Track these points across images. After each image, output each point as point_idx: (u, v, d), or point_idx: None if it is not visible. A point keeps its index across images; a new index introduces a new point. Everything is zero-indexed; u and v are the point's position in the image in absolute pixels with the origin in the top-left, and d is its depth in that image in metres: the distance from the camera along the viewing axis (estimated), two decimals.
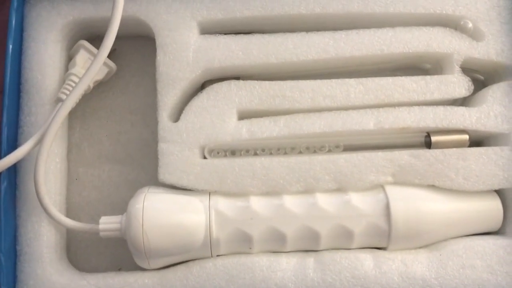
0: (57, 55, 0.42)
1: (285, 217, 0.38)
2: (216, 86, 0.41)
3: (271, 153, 0.40)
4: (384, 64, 0.43)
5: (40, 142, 0.38)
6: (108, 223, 0.38)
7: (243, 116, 0.41)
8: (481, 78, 0.44)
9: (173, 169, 0.39)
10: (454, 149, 0.39)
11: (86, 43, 0.42)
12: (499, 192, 0.40)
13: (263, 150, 0.40)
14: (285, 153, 0.40)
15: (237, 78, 0.42)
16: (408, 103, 0.41)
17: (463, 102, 0.42)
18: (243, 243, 0.38)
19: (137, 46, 0.45)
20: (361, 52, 0.41)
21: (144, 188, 0.39)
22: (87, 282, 0.39)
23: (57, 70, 0.42)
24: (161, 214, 0.37)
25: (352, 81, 0.41)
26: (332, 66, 0.42)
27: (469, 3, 0.42)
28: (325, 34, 0.41)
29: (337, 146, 0.40)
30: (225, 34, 0.42)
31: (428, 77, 0.41)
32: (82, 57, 0.42)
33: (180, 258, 0.39)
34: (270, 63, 0.41)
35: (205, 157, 0.40)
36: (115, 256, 0.42)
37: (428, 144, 0.40)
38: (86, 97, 0.43)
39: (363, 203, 0.38)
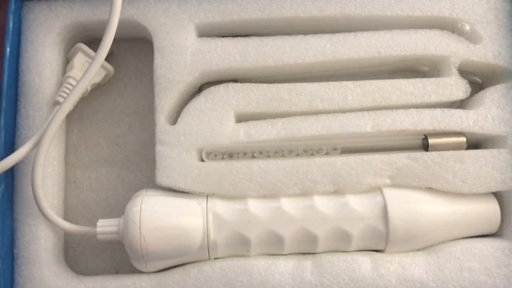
0: (54, 58, 0.42)
1: (282, 219, 0.38)
2: (213, 89, 0.41)
3: (268, 156, 0.40)
4: (382, 67, 0.43)
5: (37, 145, 0.38)
6: (105, 226, 0.38)
7: (241, 119, 0.41)
8: (479, 80, 0.44)
9: (170, 172, 0.39)
10: (452, 151, 0.39)
11: (83, 46, 0.42)
12: (497, 195, 0.40)
13: (260, 153, 0.40)
14: (283, 156, 0.40)
15: (235, 81, 0.42)
16: (405, 106, 0.41)
17: (460, 104, 0.42)
18: (240, 246, 0.38)
19: (134, 49, 0.45)
20: (359, 54, 0.41)
21: (142, 191, 0.39)
22: (85, 285, 0.39)
23: (55, 73, 0.42)
24: (158, 217, 0.37)
25: (349, 84, 0.41)
26: (330, 69, 0.42)
27: (466, 6, 0.42)
28: (323, 37, 0.41)
29: (335, 149, 0.40)
30: (223, 37, 0.42)
31: (425, 79, 0.41)
32: (79, 60, 0.42)
33: (177, 261, 0.39)
34: (268, 66, 0.41)
35: (202, 160, 0.40)
36: (113, 259, 0.42)
37: (425, 147, 0.40)
38: (84, 100, 0.43)
39: (360, 205, 0.38)
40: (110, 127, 0.44)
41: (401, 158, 0.39)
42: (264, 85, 0.41)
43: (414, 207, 0.38)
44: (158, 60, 0.41)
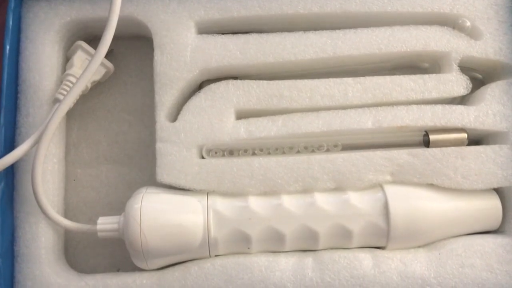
0: (54, 56, 0.42)
1: (283, 216, 0.38)
2: (213, 86, 0.41)
3: (269, 153, 0.40)
4: (382, 63, 0.43)
5: (37, 142, 0.38)
6: (106, 224, 0.38)
7: (241, 115, 0.41)
8: (480, 76, 0.44)
9: (171, 169, 0.39)
10: (453, 147, 0.39)
11: (83, 44, 0.42)
12: (498, 191, 0.40)
13: (261, 150, 0.40)
14: (283, 153, 0.40)
15: (235, 77, 0.42)
16: (406, 102, 0.40)
17: (461, 100, 0.42)
18: (241, 243, 0.38)
19: (134, 47, 0.45)
20: (359, 51, 0.41)
21: (142, 188, 0.39)
22: (85, 283, 0.39)
23: (55, 71, 0.42)
24: (159, 214, 0.37)
25: (350, 80, 0.41)
26: (330, 66, 0.42)
27: (466, 2, 0.42)
28: (323, 34, 0.41)
29: (335, 145, 0.40)
30: (223, 34, 0.42)
31: (426, 75, 0.41)
32: (79, 58, 0.42)
33: (178, 259, 0.38)
34: (268, 62, 0.41)
35: (203, 157, 0.40)
36: (114, 257, 0.42)
37: (426, 143, 0.40)
38: (84, 98, 0.43)
39: (361, 202, 0.38)
40: (110, 125, 0.44)
41: (402, 154, 0.39)
42: (264, 82, 0.41)
43: (415, 203, 0.38)
44: (158, 57, 0.41)
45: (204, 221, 0.38)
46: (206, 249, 0.38)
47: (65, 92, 0.40)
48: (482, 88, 0.41)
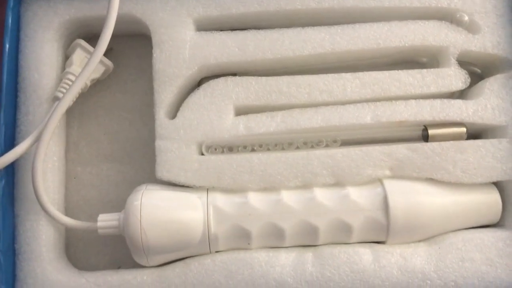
0: (53, 54, 0.42)
1: (283, 212, 0.38)
2: (212, 82, 0.41)
3: (268, 149, 0.40)
4: (381, 58, 0.43)
5: (37, 140, 0.38)
6: (106, 221, 0.38)
7: (240, 112, 0.41)
8: (478, 71, 0.44)
9: (170, 166, 0.39)
10: (452, 142, 0.39)
11: (82, 42, 0.42)
12: (498, 185, 0.40)
13: (260, 146, 0.40)
14: (283, 149, 0.40)
15: (234, 74, 0.42)
16: (404, 97, 0.40)
17: (460, 95, 0.42)
18: (241, 239, 0.38)
19: (133, 44, 0.45)
20: (357, 46, 0.41)
21: (142, 185, 0.39)
22: (86, 280, 0.39)
23: (54, 69, 0.42)
24: (159, 211, 0.37)
25: (348, 76, 0.41)
26: (328, 61, 0.42)
27: None
28: (321, 29, 0.41)
29: (335, 141, 0.40)
30: (221, 30, 0.42)
31: (424, 70, 0.41)
32: (78, 56, 0.42)
33: (178, 255, 0.39)
34: (266, 58, 0.41)
35: (202, 154, 0.40)
36: (114, 254, 0.42)
37: (425, 137, 0.40)
38: (84, 96, 0.43)
39: (361, 197, 0.38)
40: (110, 123, 0.44)
41: (401, 149, 0.39)
42: (263, 78, 0.41)
43: (414, 198, 0.38)
44: (157, 54, 0.41)
45: (204, 217, 0.38)
46: (206, 245, 0.38)
47: (64, 90, 0.40)
48: (481, 82, 0.41)
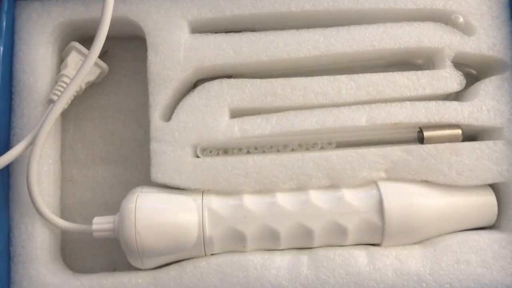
0: (48, 57, 0.42)
1: (278, 214, 0.38)
2: (207, 84, 0.41)
3: (263, 151, 0.40)
4: (376, 60, 0.43)
5: (32, 143, 0.38)
6: (101, 224, 0.38)
7: (235, 114, 0.41)
8: (473, 72, 0.44)
9: (165, 168, 0.39)
10: (447, 144, 0.39)
11: (77, 45, 0.42)
12: (493, 186, 0.40)
13: (255, 148, 0.40)
14: (278, 151, 0.40)
15: (229, 76, 0.42)
16: (400, 99, 0.40)
17: (455, 96, 0.42)
18: (236, 242, 0.38)
19: (128, 47, 0.45)
20: (352, 48, 0.41)
21: (137, 188, 0.39)
22: (81, 283, 0.39)
23: (49, 72, 0.42)
24: (153, 213, 0.37)
25: (343, 78, 0.41)
26: (323, 63, 0.42)
27: None
28: (316, 31, 0.41)
29: (330, 143, 0.40)
30: (216, 33, 0.42)
31: (419, 72, 0.41)
32: (73, 59, 0.42)
33: (173, 258, 0.39)
34: (261, 61, 0.41)
35: (197, 156, 0.40)
36: (110, 257, 0.42)
37: (420, 139, 0.40)
38: (79, 98, 0.43)
39: (356, 199, 0.38)
40: (105, 125, 0.44)
41: (396, 151, 0.39)
42: (258, 80, 0.41)
43: (410, 200, 0.38)
44: (151, 57, 0.41)
45: (199, 220, 0.38)
46: (202, 248, 0.38)
47: (59, 93, 0.40)
48: (476, 84, 0.41)
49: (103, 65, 0.43)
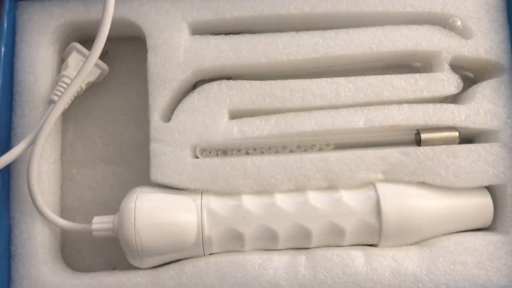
0: (49, 58, 0.42)
1: (276, 215, 0.38)
2: (207, 86, 0.41)
3: (262, 152, 0.41)
4: (374, 63, 0.43)
5: (33, 143, 0.39)
6: (101, 223, 0.39)
7: (234, 115, 0.41)
8: (471, 75, 0.44)
9: (165, 169, 0.40)
10: (444, 146, 0.40)
11: (78, 45, 0.42)
12: (489, 189, 0.40)
13: (254, 149, 0.41)
14: (276, 152, 0.41)
15: (229, 78, 0.42)
16: (397, 101, 0.41)
17: (453, 99, 0.43)
18: (235, 242, 0.39)
19: (128, 48, 0.45)
20: (351, 51, 0.41)
21: (137, 188, 0.40)
22: (81, 281, 0.39)
23: (50, 72, 0.42)
24: (153, 213, 0.38)
25: (342, 80, 0.41)
26: (322, 65, 0.42)
27: (457, 1, 0.42)
28: (315, 34, 0.42)
29: (328, 145, 0.41)
30: (216, 34, 0.42)
31: (417, 75, 0.41)
32: (74, 59, 0.42)
33: (172, 257, 0.39)
34: (261, 63, 0.41)
35: (196, 157, 0.41)
36: (110, 256, 0.43)
37: (418, 142, 0.40)
38: (80, 99, 0.43)
39: (353, 200, 0.38)
40: (105, 125, 0.45)
41: (393, 153, 0.40)
42: (257, 82, 0.41)
43: (407, 201, 0.38)
44: (151, 58, 0.41)
45: (198, 220, 0.38)
46: (200, 248, 0.38)
47: (60, 93, 0.40)
48: (473, 87, 0.42)
49: (104, 65, 0.43)
